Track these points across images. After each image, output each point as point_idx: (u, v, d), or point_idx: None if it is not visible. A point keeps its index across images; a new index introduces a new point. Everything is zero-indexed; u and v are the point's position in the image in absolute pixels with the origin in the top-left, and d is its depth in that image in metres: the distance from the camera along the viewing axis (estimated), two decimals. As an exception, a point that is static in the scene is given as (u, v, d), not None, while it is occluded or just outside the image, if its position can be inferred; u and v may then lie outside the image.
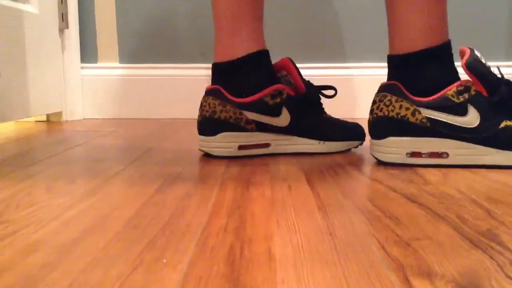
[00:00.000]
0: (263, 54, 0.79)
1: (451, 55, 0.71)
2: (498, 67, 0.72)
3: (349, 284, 0.32)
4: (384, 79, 0.78)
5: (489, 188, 0.57)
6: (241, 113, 0.75)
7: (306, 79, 0.80)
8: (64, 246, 0.39)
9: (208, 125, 0.76)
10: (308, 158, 0.76)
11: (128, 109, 1.37)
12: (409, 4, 0.69)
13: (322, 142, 0.79)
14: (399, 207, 0.49)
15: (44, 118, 1.31)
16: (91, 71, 1.37)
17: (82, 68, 1.36)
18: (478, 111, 0.66)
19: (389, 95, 0.69)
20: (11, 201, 0.52)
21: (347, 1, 1.36)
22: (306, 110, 0.78)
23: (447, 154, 0.68)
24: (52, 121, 1.31)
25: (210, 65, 0.81)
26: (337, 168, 0.69)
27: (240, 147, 0.77)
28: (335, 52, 1.38)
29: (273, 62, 0.81)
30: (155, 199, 0.52)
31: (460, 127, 0.67)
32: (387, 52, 0.74)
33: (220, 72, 0.79)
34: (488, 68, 0.67)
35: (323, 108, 0.82)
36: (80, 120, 1.34)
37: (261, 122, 0.76)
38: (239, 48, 0.77)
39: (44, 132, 1.09)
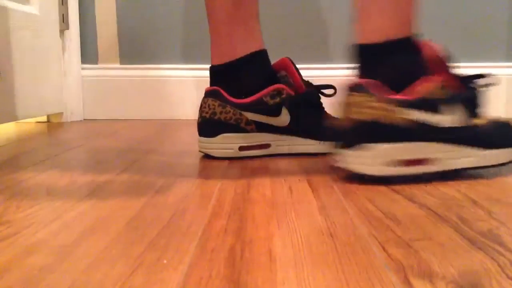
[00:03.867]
0: (262, 54, 0.79)
1: (420, 48, 0.66)
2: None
3: (350, 285, 0.32)
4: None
5: (489, 188, 0.57)
6: (241, 114, 0.75)
7: (306, 79, 0.80)
8: (65, 247, 0.39)
9: (208, 126, 0.76)
10: (309, 159, 0.76)
11: (129, 110, 1.37)
12: None
13: (322, 142, 0.79)
14: (400, 208, 0.49)
15: (44, 119, 1.31)
16: (92, 72, 1.37)
17: (82, 69, 1.36)
18: (454, 109, 0.61)
19: (363, 94, 0.61)
20: (11, 202, 0.52)
21: (347, 1, 1.36)
22: (306, 109, 0.78)
23: (431, 161, 0.61)
24: (52, 122, 1.31)
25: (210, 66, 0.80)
26: (337, 169, 0.69)
27: (241, 148, 0.77)
28: (335, 52, 1.38)
29: (272, 62, 0.81)
30: (155, 200, 0.52)
31: (438, 127, 0.61)
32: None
33: (219, 74, 0.78)
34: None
35: (323, 108, 0.82)
36: (81, 121, 1.34)
37: (261, 122, 0.76)
38: (237, 49, 0.77)
39: (45, 133, 1.09)
